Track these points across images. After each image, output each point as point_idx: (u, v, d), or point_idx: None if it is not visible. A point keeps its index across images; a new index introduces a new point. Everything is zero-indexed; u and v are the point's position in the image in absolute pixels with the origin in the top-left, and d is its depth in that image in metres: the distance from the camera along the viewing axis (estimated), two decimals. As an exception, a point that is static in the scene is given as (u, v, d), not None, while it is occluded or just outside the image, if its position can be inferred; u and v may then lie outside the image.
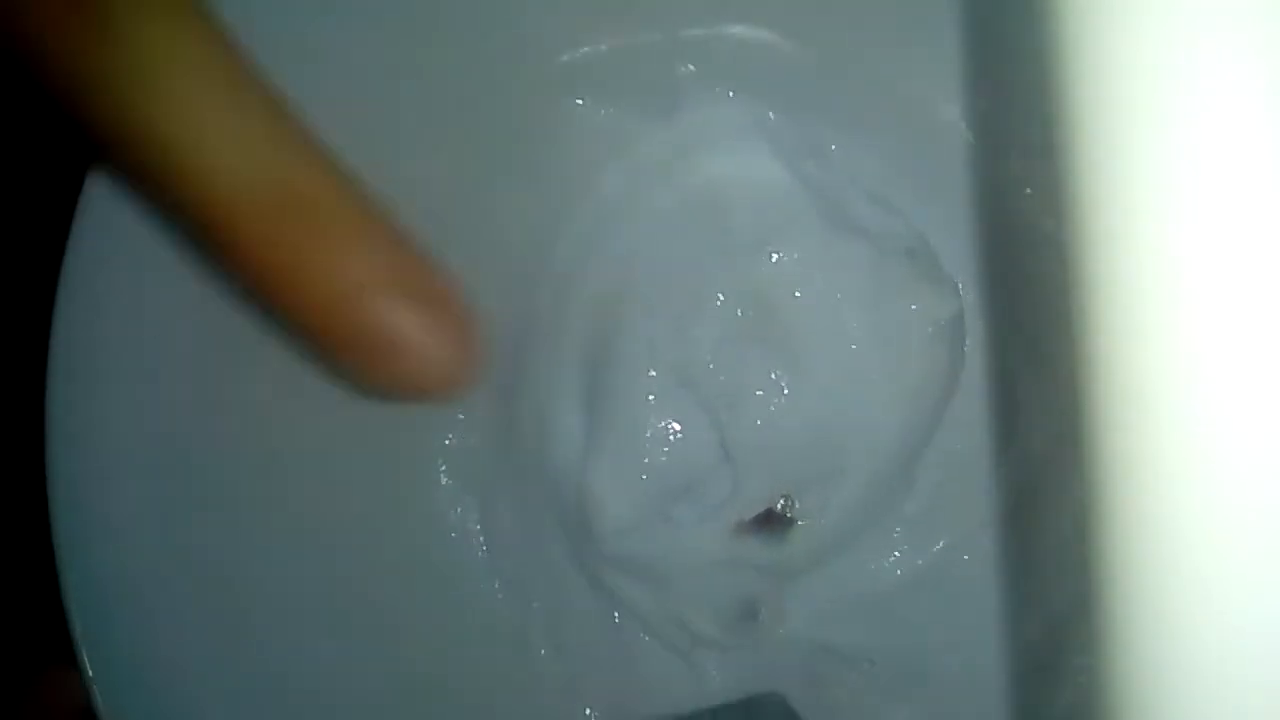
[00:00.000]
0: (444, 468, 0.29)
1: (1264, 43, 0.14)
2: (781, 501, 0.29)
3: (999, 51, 0.26)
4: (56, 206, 0.25)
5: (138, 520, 0.25)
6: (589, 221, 0.29)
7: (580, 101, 0.28)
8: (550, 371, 0.29)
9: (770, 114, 0.29)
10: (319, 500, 0.27)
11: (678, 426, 0.28)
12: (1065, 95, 0.15)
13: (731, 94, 0.29)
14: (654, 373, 0.28)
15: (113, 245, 0.25)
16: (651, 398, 0.28)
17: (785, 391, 0.28)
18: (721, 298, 0.28)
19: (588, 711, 0.29)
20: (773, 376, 0.28)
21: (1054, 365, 0.26)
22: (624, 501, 0.28)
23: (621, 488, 0.28)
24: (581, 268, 0.29)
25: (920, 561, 0.29)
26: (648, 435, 0.28)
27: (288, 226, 0.18)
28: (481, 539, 0.29)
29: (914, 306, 0.28)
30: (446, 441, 0.29)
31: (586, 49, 0.27)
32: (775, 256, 0.28)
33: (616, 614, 0.29)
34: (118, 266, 0.25)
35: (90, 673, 0.24)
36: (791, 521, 0.29)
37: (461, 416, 0.29)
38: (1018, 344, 0.29)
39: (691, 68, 0.28)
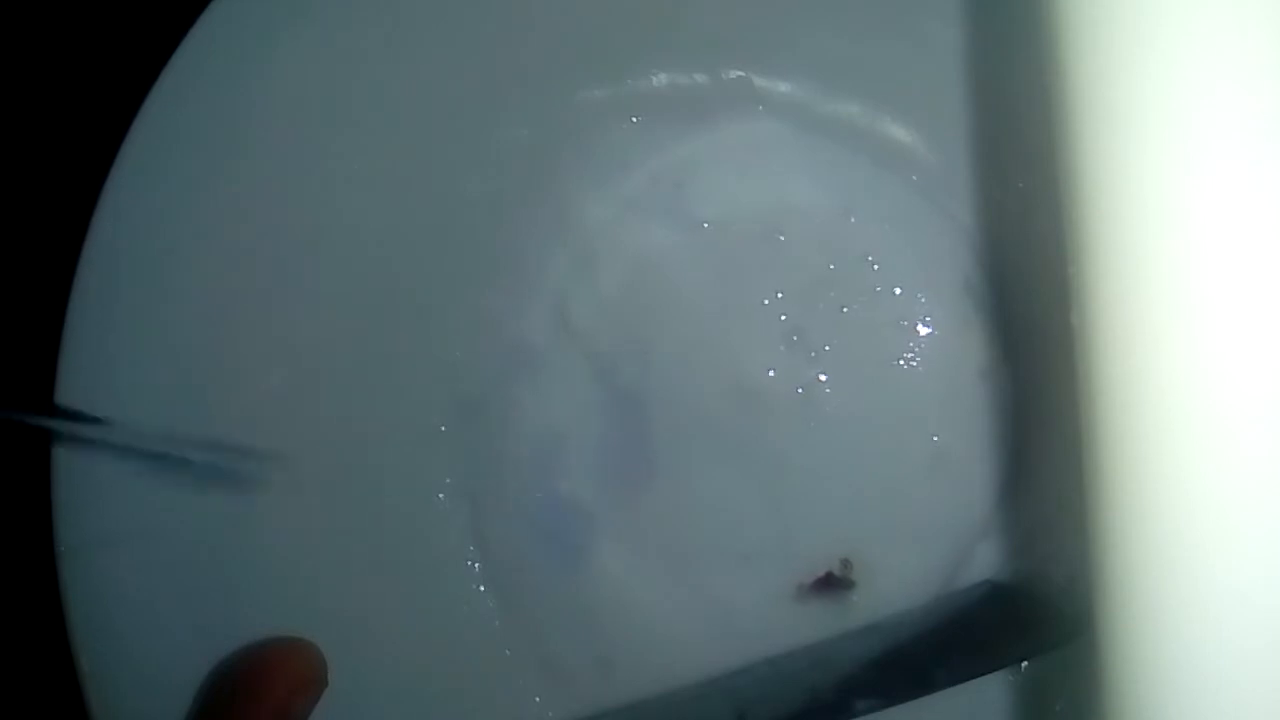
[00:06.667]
0: (442, 495, 0.28)
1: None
2: (840, 564, 0.27)
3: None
4: (74, 204, 0.24)
5: (139, 521, 0.25)
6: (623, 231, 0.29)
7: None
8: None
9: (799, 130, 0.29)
10: (319, 504, 0.26)
11: (715, 480, 0.27)
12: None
13: (761, 108, 0.29)
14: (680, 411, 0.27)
15: (128, 244, 0.24)
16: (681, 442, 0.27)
17: (836, 426, 0.27)
18: (761, 320, 0.27)
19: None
20: (821, 409, 0.27)
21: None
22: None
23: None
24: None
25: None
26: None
27: None
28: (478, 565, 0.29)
29: (962, 345, 0.27)
30: (448, 480, 0.29)
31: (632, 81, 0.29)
32: (822, 270, 0.28)
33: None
34: (131, 270, 0.24)
35: (88, 672, 0.24)
36: (851, 584, 0.27)
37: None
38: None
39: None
